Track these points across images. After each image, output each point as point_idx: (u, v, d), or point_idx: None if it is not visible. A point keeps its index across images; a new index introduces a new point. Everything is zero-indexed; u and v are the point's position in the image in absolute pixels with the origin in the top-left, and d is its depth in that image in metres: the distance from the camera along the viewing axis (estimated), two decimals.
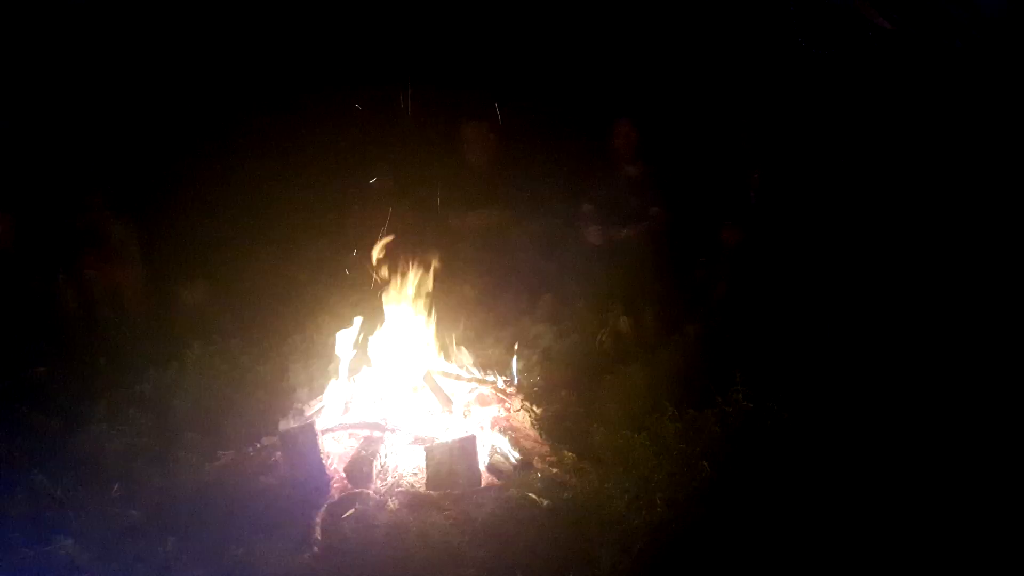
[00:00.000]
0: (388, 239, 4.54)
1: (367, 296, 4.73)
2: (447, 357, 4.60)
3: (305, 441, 3.82)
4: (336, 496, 3.61)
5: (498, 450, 3.87)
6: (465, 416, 4.14)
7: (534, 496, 3.47)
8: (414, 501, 3.56)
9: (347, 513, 3.46)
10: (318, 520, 3.42)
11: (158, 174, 5.93)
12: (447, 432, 3.98)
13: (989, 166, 5.36)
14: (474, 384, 4.45)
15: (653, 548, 3.13)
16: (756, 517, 3.24)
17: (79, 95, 6.09)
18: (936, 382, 4.06)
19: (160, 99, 6.23)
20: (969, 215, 5.18)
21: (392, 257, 4.53)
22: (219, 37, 6.45)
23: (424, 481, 3.70)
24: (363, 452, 3.81)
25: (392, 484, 3.70)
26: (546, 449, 3.97)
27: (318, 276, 5.56)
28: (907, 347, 4.38)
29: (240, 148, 6.19)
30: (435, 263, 4.69)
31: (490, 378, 4.50)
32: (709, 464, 3.49)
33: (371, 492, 3.61)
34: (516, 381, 4.47)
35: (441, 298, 4.61)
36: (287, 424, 4.07)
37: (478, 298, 5.26)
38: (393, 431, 4.00)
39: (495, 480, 3.73)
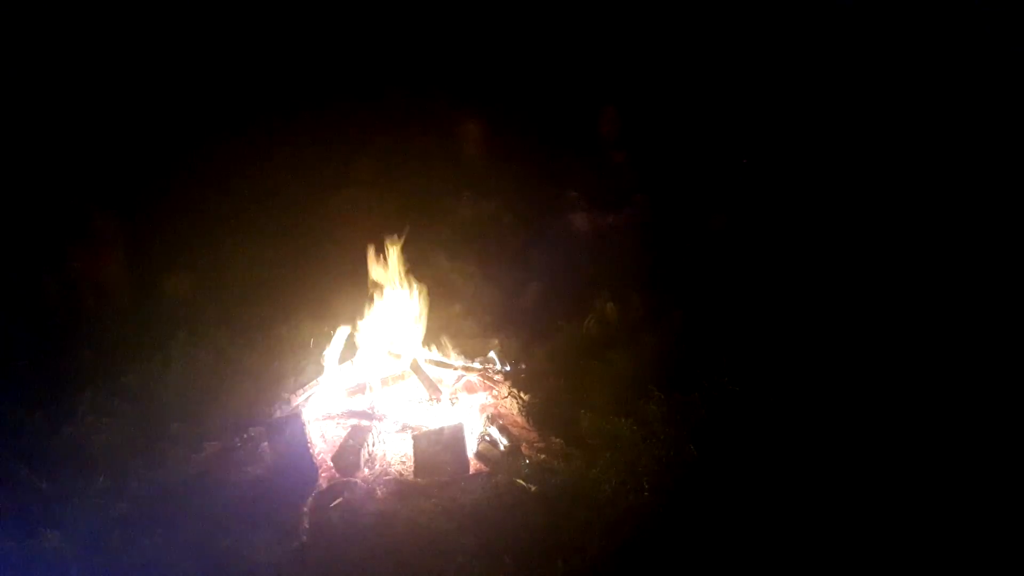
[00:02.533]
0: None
1: (354, 285, 4.72)
2: (434, 345, 4.60)
3: (292, 431, 3.82)
4: (324, 485, 3.61)
5: (486, 437, 3.88)
6: (453, 404, 4.14)
7: (522, 482, 3.49)
8: (402, 489, 3.57)
9: (335, 502, 3.47)
10: (306, 509, 3.42)
11: (143, 166, 5.87)
12: (435, 420, 3.99)
13: (974, 161, 5.41)
14: (461, 372, 4.45)
15: (640, 531, 3.15)
16: (742, 499, 3.27)
17: (66, 88, 6.03)
18: (918, 368, 4.09)
19: (145, 93, 6.17)
20: (954, 207, 5.22)
21: (380, 247, 4.52)
22: (205, 34, 6.40)
23: (412, 469, 3.71)
24: (351, 441, 3.81)
25: (380, 472, 3.71)
26: (534, 435, 3.99)
27: (304, 266, 5.52)
28: (889, 332, 4.41)
29: (225, 141, 6.13)
30: (422, 252, 4.68)
31: (477, 365, 4.50)
32: (695, 447, 3.51)
33: (359, 481, 3.62)
34: (503, 368, 4.48)
35: (428, 286, 4.60)
36: (274, 414, 4.06)
37: (465, 286, 5.24)
38: (381, 419, 4.01)
39: (483, 467, 3.74)
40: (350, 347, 4.41)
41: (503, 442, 3.83)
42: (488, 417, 4.02)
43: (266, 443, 3.81)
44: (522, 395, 4.19)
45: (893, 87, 5.79)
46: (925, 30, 5.92)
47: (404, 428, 3.96)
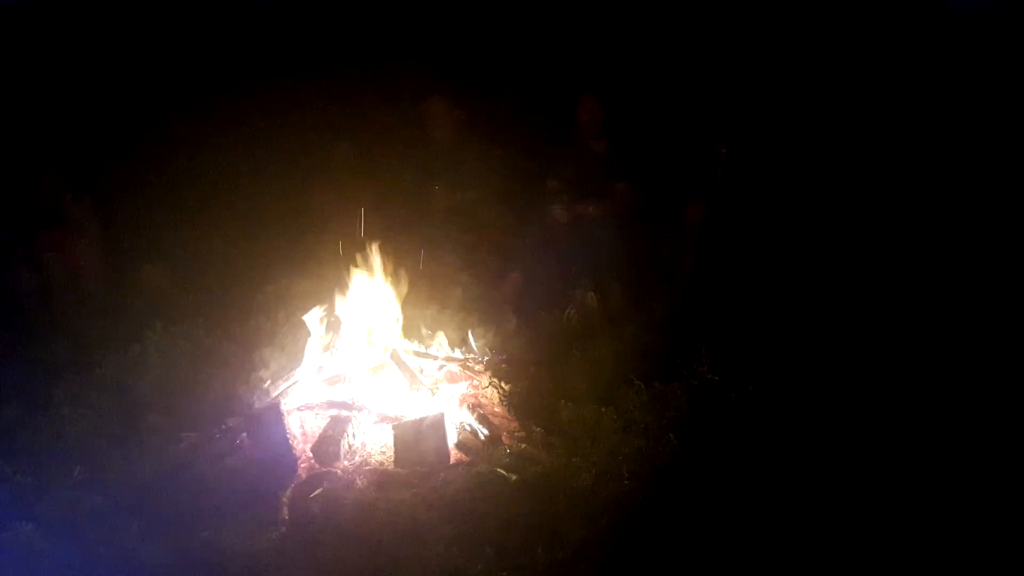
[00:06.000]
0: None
1: (334, 274, 4.69)
2: (414, 335, 4.58)
3: (271, 421, 3.79)
4: (303, 476, 3.59)
5: (467, 427, 3.88)
6: (433, 394, 4.13)
7: (503, 472, 3.48)
8: (382, 479, 3.56)
9: (315, 493, 3.44)
10: (285, 500, 3.40)
11: (117, 152, 5.79)
12: (415, 410, 3.97)
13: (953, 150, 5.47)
14: (442, 361, 4.44)
15: (620, 521, 3.16)
16: (721, 489, 3.29)
17: (36, 72, 5.94)
18: (900, 357, 4.13)
19: (119, 76, 6.09)
20: (932, 198, 5.27)
21: (358, 236, 4.49)
22: (178, 14, 6.32)
23: (392, 459, 3.70)
24: (330, 431, 3.79)
25: (360, 463, 3.69)
26: (515, 425, 3.99)
27: (283, 255, 5.48)
28: (868, 321, 4.45)
29: (201, 127, 6.06)
30: (402, 242, 4.65)
31: (458, 355, 4.49)
32: (675, 437, 3.53)
33: (339, 471, 3.60)
34: (484, 358, 4.47)
35: (408, 276, 4.58)
36: (253, 405, 4.03)
37: (445, 276, 5.23)
38: (360, 410, 3.99)
39: (464, 457, 3.74)
40: (330, 337, 4.38)
41: (484, 432, 3.83)
42: (469, 407, 4.01)
43: (245, 434, 3.78)
44: (503, 385, 4.18)
45: (876, 77, 5.83)
46: (910, 21, 5.98)
47: (384, 418, 3.94)
